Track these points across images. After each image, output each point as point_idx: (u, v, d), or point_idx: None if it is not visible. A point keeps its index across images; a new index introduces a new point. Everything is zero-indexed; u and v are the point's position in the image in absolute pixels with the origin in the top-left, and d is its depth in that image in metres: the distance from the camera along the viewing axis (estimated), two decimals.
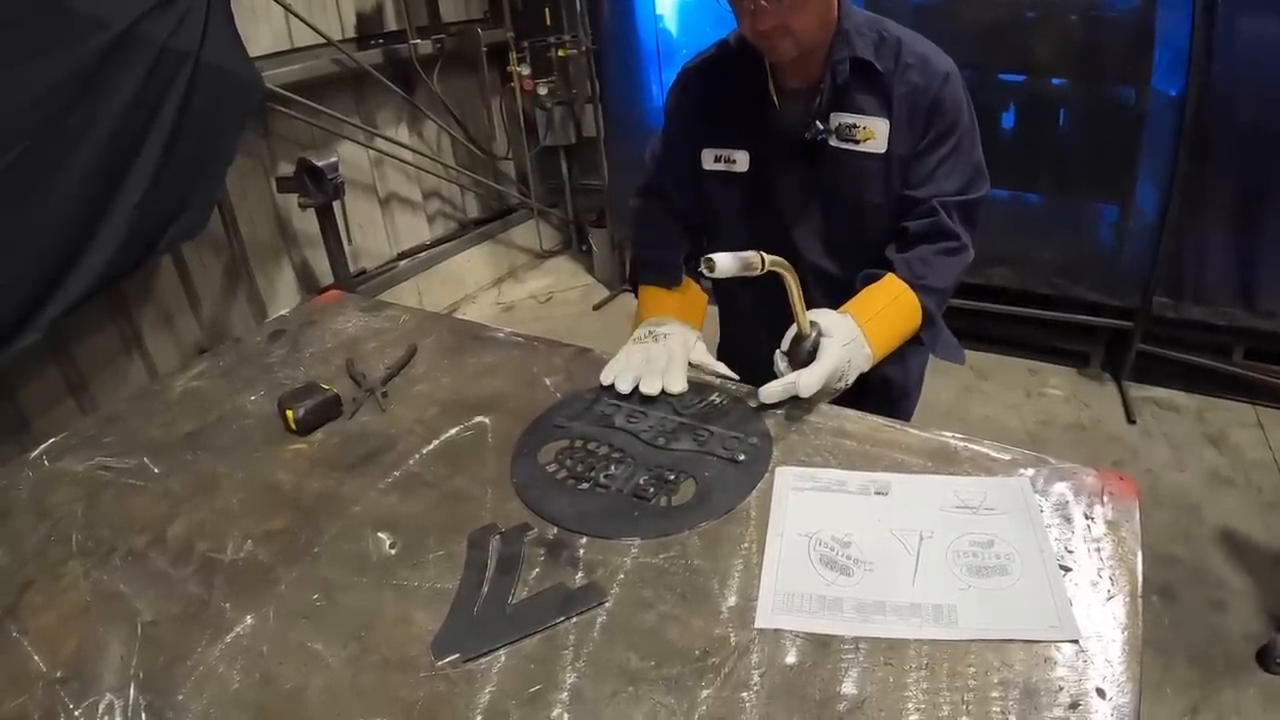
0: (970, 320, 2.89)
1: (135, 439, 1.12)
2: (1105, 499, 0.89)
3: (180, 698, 0.73)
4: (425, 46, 3.04)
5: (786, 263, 0.99)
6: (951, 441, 1.01)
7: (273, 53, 2.48)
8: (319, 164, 2.26)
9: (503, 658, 0.75)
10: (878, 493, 0.92)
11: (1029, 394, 2.72)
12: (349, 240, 2.56)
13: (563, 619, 0.78)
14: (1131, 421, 2.58)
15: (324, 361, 1.31)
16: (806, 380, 1.02)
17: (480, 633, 0.78)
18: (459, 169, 3.29)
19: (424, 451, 1.07)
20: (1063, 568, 0.80)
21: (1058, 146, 2.58)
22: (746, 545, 0.86)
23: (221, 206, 2.22)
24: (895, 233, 1.17)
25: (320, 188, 2.31)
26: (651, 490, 0.96)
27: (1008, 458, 0.97)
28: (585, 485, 0.98)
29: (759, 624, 0.76)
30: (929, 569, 0.81)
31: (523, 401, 1.16)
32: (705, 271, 0.93)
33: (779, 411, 1.09)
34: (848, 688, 0.69)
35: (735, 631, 0.76)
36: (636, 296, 1.35)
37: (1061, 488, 0.91)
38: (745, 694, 0.69)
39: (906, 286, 1.13)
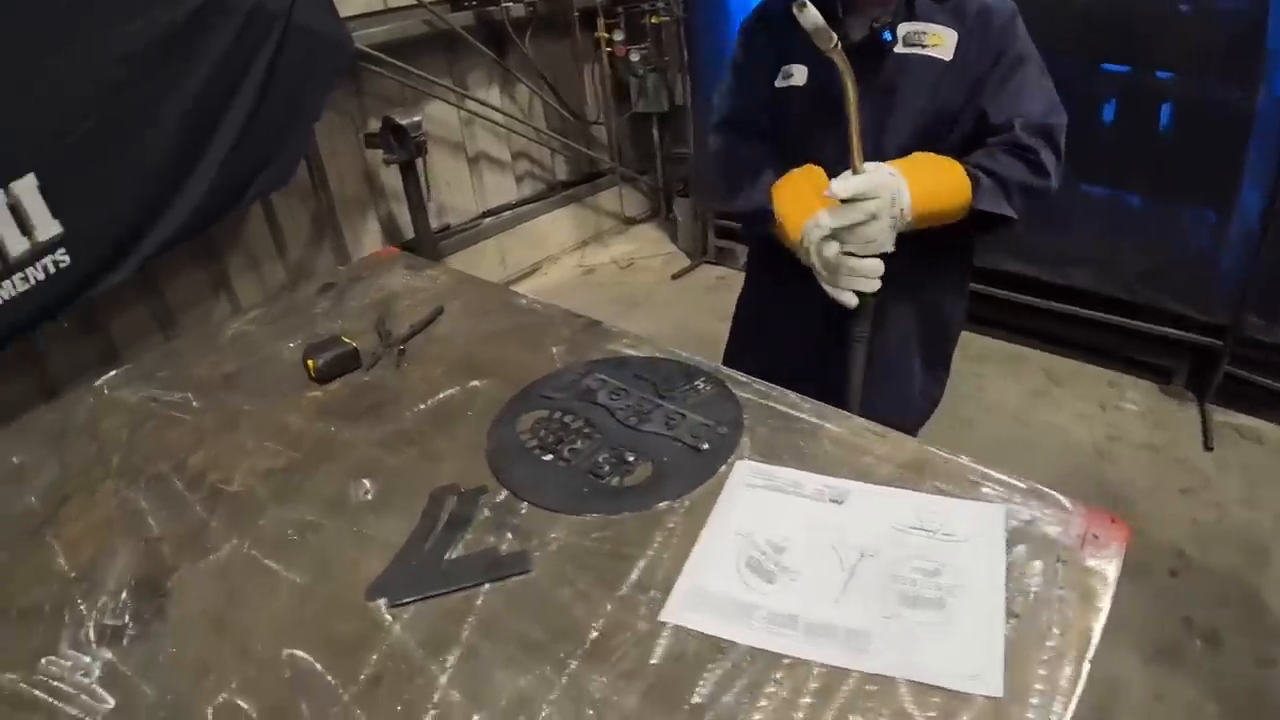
0: (1050, 321, 2.69)
1: (184, 375, 1.26)
2: (1088, 543, 0.81)
3: (159, 601, 0.85)
4: (517, 10, 3.07)
5: (849, 64, 0.96)
6: (934, 453, 0.95)
7: (364, 13, 2.59)
8: (402, 122, 2.38)
9: (422, 608, 0.81)
10: (833, 500, 0.90)
11: (1104, 406, 2.50)
12: (429, 197, 2.68)
13: (485, 581, 0.83)
14: (1209, 448, 2.32)
15: (360, 316, 1.41)
16: (838, 184, 1.00)
17: (411, 582, 0.84)
18: (549, 132, 3.34)
19: (419, 408, 1.14)
20: (1011, 613, 0.74)
21: (1158, 144, 2.31)
22: (680, 537, 0.87)
23: (311, 160, 2.39)
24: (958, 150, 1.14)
25: (403, 145, 2.43)
26: (607, 469, 0.98)
27: (989, 482, 0.90)
28: (549, 457, 1.02)
29: (663, 617, 0.77)
30: (858, 590, 0.78)
31: (523, 368, 1.20)
32: (796, 11, 0.93)
33: (759, 402, 1.07)
34: (728, 699, 0.69)
35: (642, 620, 0.77)
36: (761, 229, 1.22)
37: (1042, 521, 0.84)
38: (626, 683, 0.71)
39: (955, 161, 1.10)
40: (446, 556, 0.87)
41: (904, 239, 1.08)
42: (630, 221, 3.80)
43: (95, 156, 1.70)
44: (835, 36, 0.95)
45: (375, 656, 0.76)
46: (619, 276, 3.34)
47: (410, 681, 0.73)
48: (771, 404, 1.07)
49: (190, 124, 1.84)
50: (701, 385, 1.12)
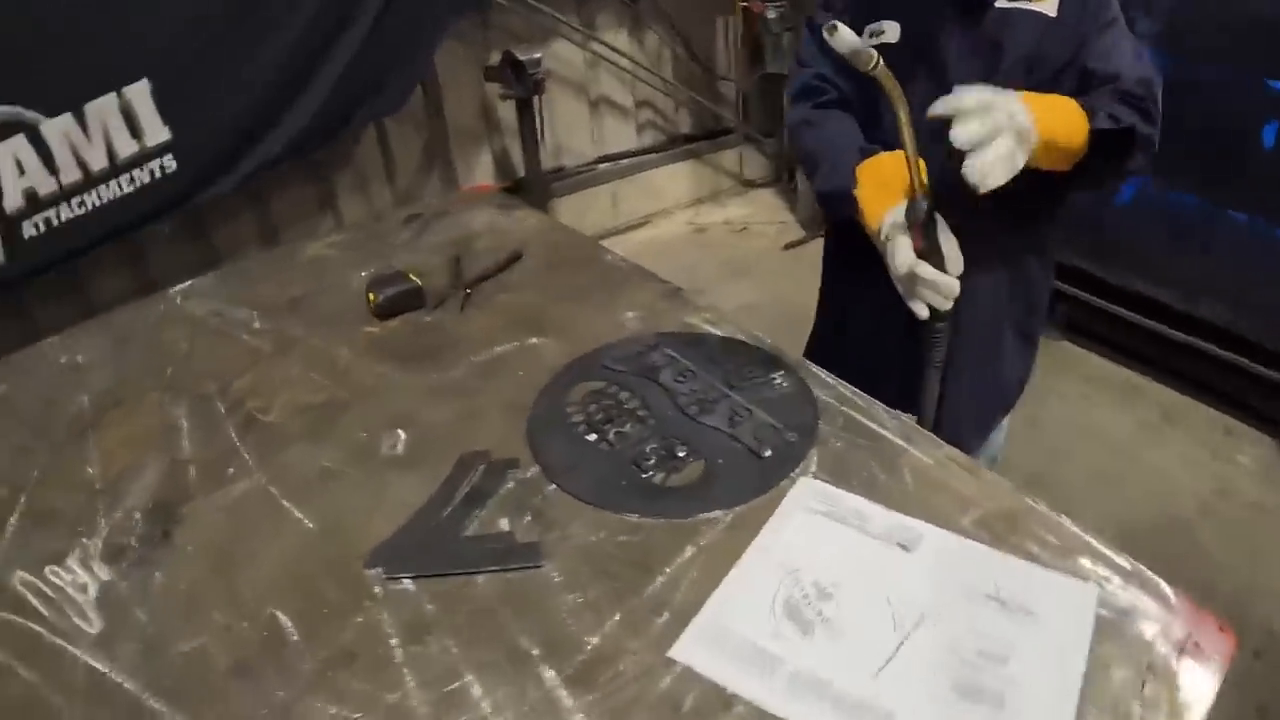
0: (1174, 353, 2.32)
1: (253, 293, 1.24)
2: (1187, 651, 0.63)
3: (170, 527, 0.82)
4: None
5: (897, 82, 0.85)
6: (1032, 507, 0.78)
7: None
8: (522, 58, 2.30)
9: (416, 587, 0.74)
10: (901, 544, 0.74)
11: (1215, 454, 2.15)
12: (543, 136, 2.60)
13: (490, 570, 0.75)
14: None
15: (438, 252, 1.35)
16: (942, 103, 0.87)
17: (415, 556, 0.77)
18: (675, 83, 3.16)
19: (472, 360, 1.07)
20: None
21: None
22: (716, 557, 0.75)
23: (428, 88, 2.36)
24: None
25: (521, 81, 2.36)
26: (652, 462, 0.86)
27: (1087, 553, 0.73)
28: (593, 436, 0.91)
29: (672, 652, 0.66)
30: (908, 662, 0.64)
31: (590, 331, 1.10)
32: (826, 35, 0.84)
33: (839, 408, 0.92)
34: None
35: (647, 650, 0.66)
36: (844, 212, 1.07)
37: (1139, 614, 0.67)
38: None
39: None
40: (460, 533, 0.80)
41: (993, 197, 0.91)
42: (749, 184, 3.58)
43: (209, 69, 1.72)
44: (876, 55, 0.83)
45: (354, 633, 0.69)
46: (730, 239, 3.16)
47: (380, 669, 0.66)
48: (852, 413, 0.92)
49: (304, 44, 1.84)
50: (779, 380, 0.98)
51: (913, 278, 0.90)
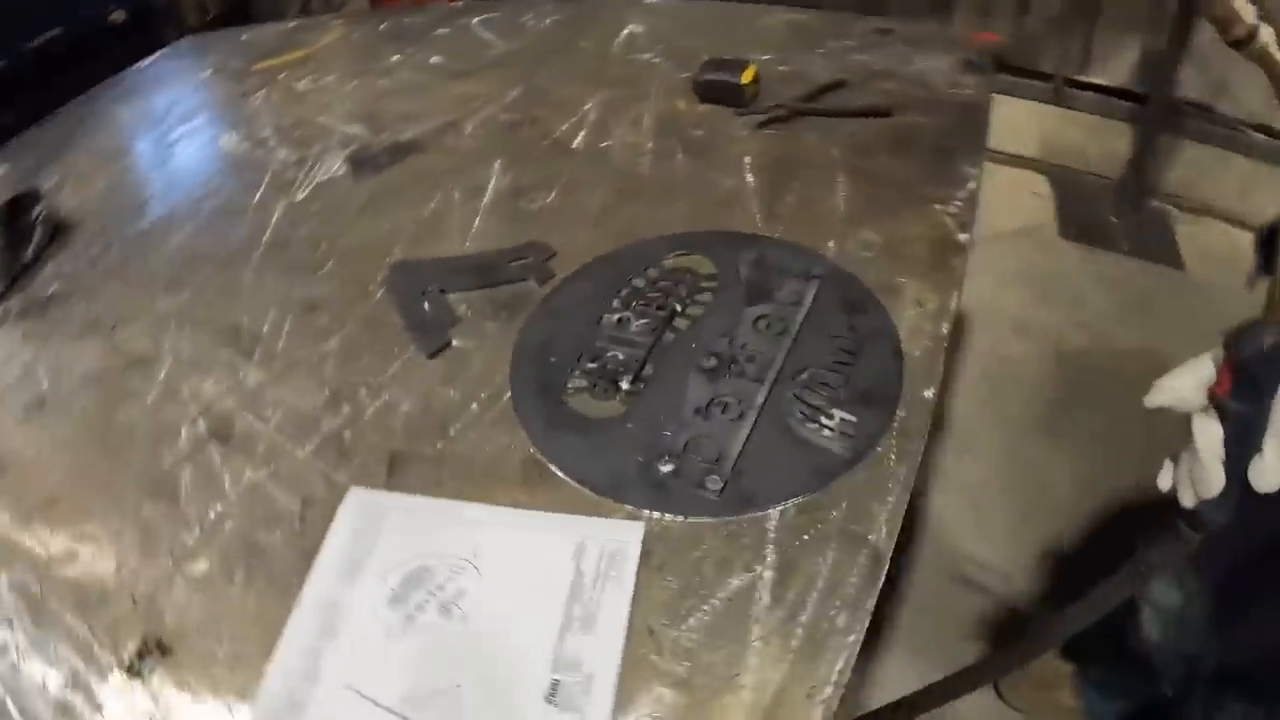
0: None
1: (686, 32, 1.23)
2: None
3: (396, 161, 1.02)
4: None
5: None
6: None
7: None
8: None
9: (380, 298, 0.82)
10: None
11: None
12: (1184, 58, 1.53)
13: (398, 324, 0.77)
14: None
15: (845, 71, 1.07)
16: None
17: (405, 281, 0.83)
18: None
19: (684, 169, 0.94)
20: None
21: None
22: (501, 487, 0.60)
23: None
24: None
25: None
26: (592, 366, 0.69)
27: None
28: (614, 304, 0.75)
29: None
30: None
31: (799, 226, 0.83)
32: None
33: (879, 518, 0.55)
34: None
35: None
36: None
37: None
38: None
39: None
40: (440, 290, 0.80)
41: None
42: None
43: None
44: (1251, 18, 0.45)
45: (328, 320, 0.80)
46: None
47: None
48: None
49: None
50: (838, 422, 0.61)
51: (1189, 443, 0.52)
